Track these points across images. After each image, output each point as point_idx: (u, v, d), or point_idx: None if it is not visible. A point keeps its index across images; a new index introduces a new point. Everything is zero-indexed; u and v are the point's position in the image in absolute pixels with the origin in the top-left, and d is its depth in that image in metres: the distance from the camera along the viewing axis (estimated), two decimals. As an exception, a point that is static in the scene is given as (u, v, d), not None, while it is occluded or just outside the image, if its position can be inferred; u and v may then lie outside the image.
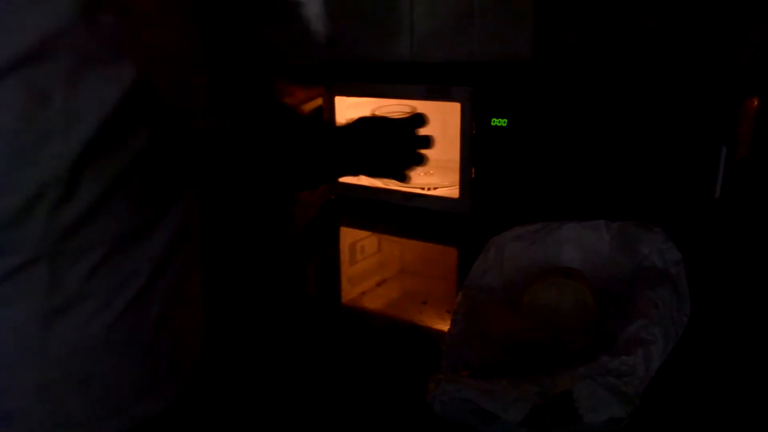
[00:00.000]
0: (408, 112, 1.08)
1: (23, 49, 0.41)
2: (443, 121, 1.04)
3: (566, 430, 0.53)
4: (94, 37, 0.43)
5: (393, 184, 1.12)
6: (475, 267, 0.79)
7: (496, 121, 0.96)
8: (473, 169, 1.00)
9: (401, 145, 0.74)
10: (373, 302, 0.84)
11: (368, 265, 0.97)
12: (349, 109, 1.21)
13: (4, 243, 0.46)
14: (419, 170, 0.85)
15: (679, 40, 0.93)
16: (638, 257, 0.75)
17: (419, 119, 0.75)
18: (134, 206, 0.50)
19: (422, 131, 0.75)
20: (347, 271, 0.96)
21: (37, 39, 0.41)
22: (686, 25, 0.93)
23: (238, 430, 0.63)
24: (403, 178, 0.75)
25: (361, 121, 0.73)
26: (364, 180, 1.14)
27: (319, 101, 1.17)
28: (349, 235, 1.07)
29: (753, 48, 0.87)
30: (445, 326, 0.71)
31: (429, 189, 1.12)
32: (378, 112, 1.14)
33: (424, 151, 0.74)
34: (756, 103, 0.84)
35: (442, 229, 1.03)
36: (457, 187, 1.04)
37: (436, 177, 1.15)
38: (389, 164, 0.75)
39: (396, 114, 1.09)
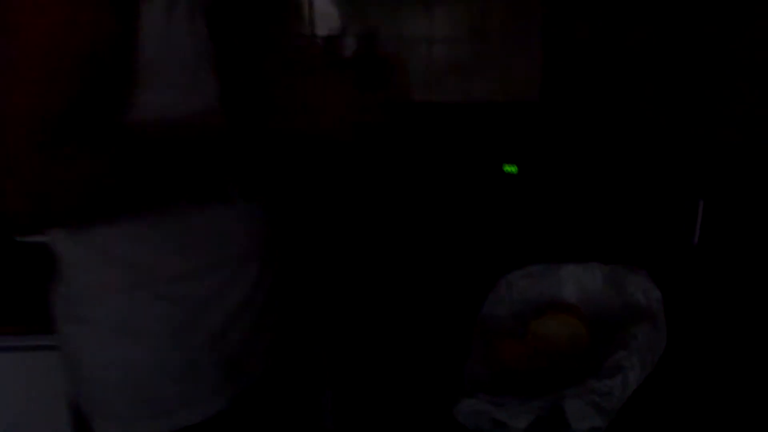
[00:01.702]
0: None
1: None
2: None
3: (559, 436, 0.71)
4: None
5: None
6: (489, 299, 0.97)
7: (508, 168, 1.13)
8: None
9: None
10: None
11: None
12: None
13: None
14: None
15: (671, 112, 1.10)
16: (625, 295, 0.92)
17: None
18: None
19: None
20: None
21: None
22: (678, 101, 1.10)
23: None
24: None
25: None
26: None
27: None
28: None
29: (731, 123, 1.05)
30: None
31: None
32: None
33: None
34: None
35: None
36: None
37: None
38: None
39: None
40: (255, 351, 0.83)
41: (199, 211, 0.76)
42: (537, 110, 1.35)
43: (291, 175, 0.83)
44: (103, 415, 0.79)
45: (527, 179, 1.10)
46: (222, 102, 0.75)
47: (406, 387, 0.85)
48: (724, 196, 1.00)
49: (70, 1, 0.63)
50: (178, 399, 0.78)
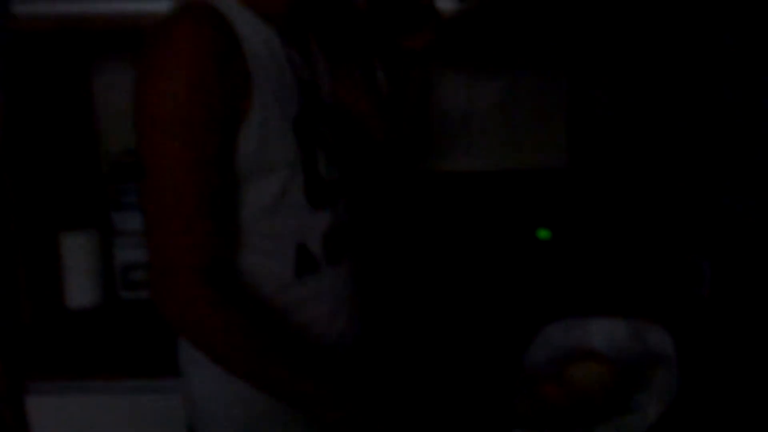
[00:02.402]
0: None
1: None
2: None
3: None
4: None
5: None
6: (531, 348, 1.17)
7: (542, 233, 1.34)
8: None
9: None
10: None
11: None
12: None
13: None
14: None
15: (684, 179, 1.31)
16: (645, 344, 1.12)
17: None
18: None
19: None
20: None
21: None
22: (691, 169, 1.31)
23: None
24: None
25: None
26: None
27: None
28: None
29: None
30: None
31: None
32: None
33: None
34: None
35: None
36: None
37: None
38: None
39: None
40: None
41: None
42: (565, 176, 1.56)
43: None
44: None
45: (559, 243, 1.31)
46: (308, 198, 0.97)
47: (461, 421, 1.05)
48: (730, 256, 1.19)
49: (186, 143, 0.84)
50: None
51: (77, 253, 1.52)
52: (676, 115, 1.33)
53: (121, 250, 1.56)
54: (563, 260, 1.30)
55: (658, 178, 1.40)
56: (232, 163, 0.89)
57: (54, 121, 1.54)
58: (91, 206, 1.66)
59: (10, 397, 1.30)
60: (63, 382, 1.31)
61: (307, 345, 0.99)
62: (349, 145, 1.16)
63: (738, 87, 1.16)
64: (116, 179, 1.57)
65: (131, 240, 1.55)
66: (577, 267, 1.30)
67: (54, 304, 1.51)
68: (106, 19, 1.35)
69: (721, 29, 1.21)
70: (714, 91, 1.22)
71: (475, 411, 1.08)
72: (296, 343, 0.97)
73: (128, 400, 1.32)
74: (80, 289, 1.53)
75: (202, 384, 1.00)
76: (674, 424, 0.99)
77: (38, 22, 1.34)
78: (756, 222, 1.13)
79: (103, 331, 1.44)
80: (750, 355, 1.13)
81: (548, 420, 1.01)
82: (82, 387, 1.32)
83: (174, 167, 0.84)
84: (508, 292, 1.36)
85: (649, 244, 1.31)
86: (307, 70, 1.03)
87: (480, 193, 1.57)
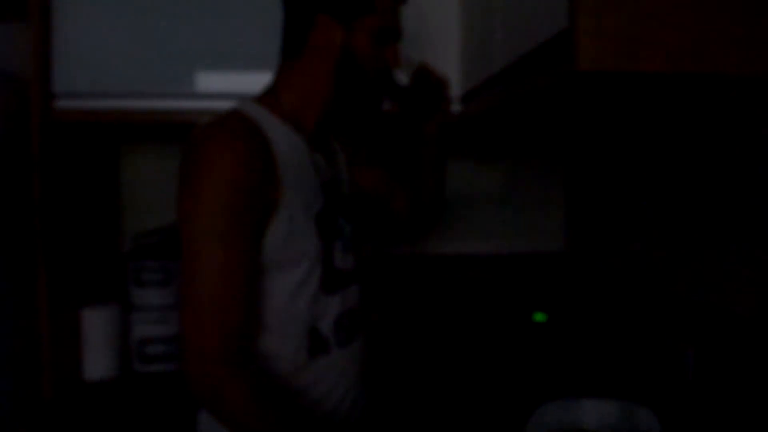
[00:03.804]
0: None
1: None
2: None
3: None
4: None
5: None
6: (528, 426, 1.27)
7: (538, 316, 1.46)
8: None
9: None
10: None
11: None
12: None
13: None
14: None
15: (675, 271, 1.44)
16: (634, 425, 1.22)
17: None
18: None
19: None
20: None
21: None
22: (680, 263, 1.44)
23: None
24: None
25: None
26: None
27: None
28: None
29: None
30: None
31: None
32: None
33: None
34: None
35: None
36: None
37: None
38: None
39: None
40: None
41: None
42: (563, 260, 1.69)
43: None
44: None
45: (555, 326, 1.43)
46: (322, 285, 1.11)
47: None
48: (713, 345, 1.30)
49: (223, 242, 0.98)
50: None
51: (98, 328, 1.64)
52: (669, 205, 1.48)
53: (137, 325, 1.68)
54: (558, 343, 1.41)
55: (649, 268, 1.54)
56: (259, 257, 1.03)
57: (81, 201, 1.70)
58: (110, 282, 1.80)
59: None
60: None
61: (318, 420, 1.10)
62: (368, 228, 1.32)
63: (725, 180, 1.30)
64: (136, 256, 1.71)
65: (148, 315, 1.68)
66: (571, 349, 1.41)
67: (73, 377, 1.63)
68: (139, 114, 1.54)
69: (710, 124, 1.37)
70: (704, 184, 1.36)
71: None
72: (308, 419, 1.09)
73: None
74: (98, 362, 1.64)
75: None
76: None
77: (78, 114, 1.53)
78: (736, 313, 1.25)
79: (119, 404, 1.54)
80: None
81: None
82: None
83: (212, 261, 0.98)
84: (505, 373, 1.47)
85: (639, 330, 1.43)
86: (330, 170, 1.19)
87: (480, 275, 1.70)
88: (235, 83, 1.56)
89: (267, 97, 1.15)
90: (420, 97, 1.30)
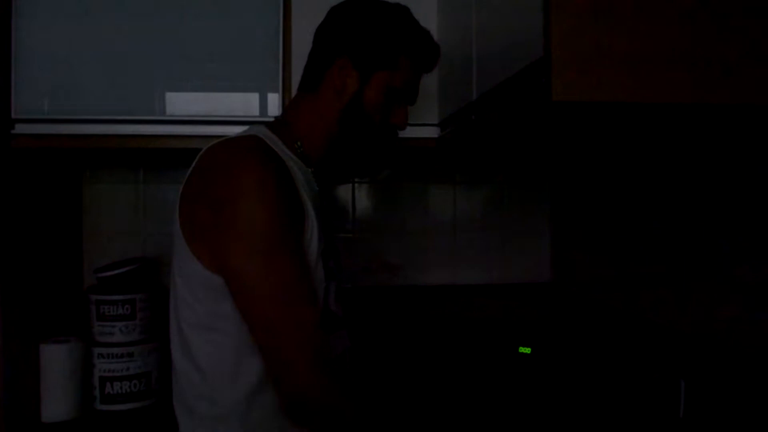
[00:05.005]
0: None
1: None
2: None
3: None
4: None
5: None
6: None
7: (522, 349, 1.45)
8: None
9: None
10: None
11: None
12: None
13: None
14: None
15: (660, 303, 1.44)
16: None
17: None
18: None
19: None
20: None
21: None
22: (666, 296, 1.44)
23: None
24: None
25: None
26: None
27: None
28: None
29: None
30: None
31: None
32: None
33: None
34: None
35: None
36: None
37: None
38: None
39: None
40: None
41: None
42: (549, 290, 1.69)
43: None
44: None
45: (539, 358, 1.42)
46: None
47: None
48: (703, 378, 1.30)
49: (285, 257, 1.00)
50: None
51: (57, 364, 1.59)
52: (658, 235, 1.48)
53: (100, 361, 1.64)
54: (544, 375, 1.40)
55: (638, 299, 1.54)
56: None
57: (40, 230, 1.67)
58: (71, 316, 1.76)
59: None
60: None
61: None
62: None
63: (712, 209, 1.31)
64: (99, 289, 1.68)
65: (111, 350, 1.63)
66: (558, 382, 1.41)
67: (30, 418, 1.58)
68: (102, 138, 1.52)
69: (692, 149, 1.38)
70: (691, 213, 1.37)
71: None
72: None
73: None
74: (58, 401, 1.59)
75: None
76: None
77: (38, 140, 1.50)
78: (728, 345, 1.25)
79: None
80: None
81: None
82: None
83: (285, 277, 1.00)
84: (488, 405, 1.46)
85: (628, 362, 1.42)
86: (326, 207, 1.19)
87: (463, 306, 1.70)
88: (202, 106, 1.55)
89: (278, 126, 1.16)
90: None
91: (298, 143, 1.15)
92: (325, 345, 1.04)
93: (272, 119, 1.21)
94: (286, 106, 1.20)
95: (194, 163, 1.07)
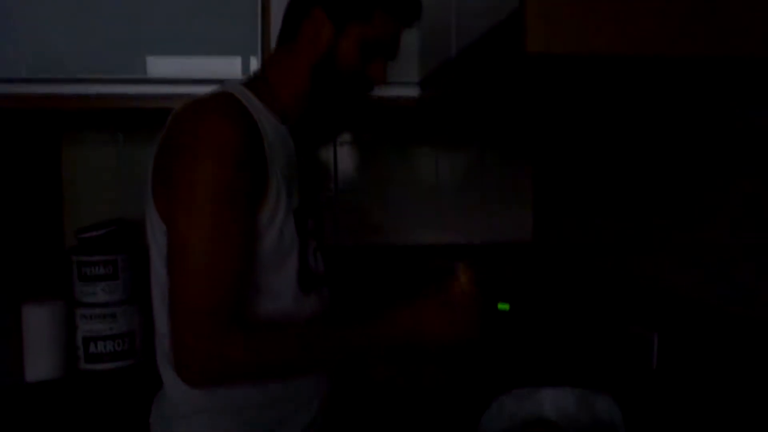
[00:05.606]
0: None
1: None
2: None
3: None
4: None
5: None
6: (483, 418, 1.30)
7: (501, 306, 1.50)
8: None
9: None
10: None
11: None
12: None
13: None
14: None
15: (637, 258, 1.48)
16: (594, 413, 1.26)
17: None
18: None
19: None
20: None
21: None
22: (644, 249, 1.49)
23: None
24: None
25: None
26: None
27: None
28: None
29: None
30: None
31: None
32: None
33: None
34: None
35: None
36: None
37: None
38: None
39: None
40: None
41: None
42: (530, 250, 1.74)
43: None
44: None
45: (518, 315, 1.47)
46: (299, 283, 1.12)
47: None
48: (676, 332, 1.36)
49: (220, 213, 0.98)
50: None
51: (40, 325, 1.62)
52: (636, 193, 1.52)
53: (83, 322, 1.67)
54: (521, 331, 1.45)
55: (615, 256, 1.59)
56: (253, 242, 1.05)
57: (21, 193, 1.69)
58: (54, 277, 1.78)
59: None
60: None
61: None
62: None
63: (691, 168, 1.35)
64: (80, 250, 1.70)
65: (94, 311, 1.67)
66: (535, 338, 1.46)
67: (13, 378, 1.60)
68: (79, 99, 1.53)
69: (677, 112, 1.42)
70: (670, 171, 1.40)
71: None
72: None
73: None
74: (41, 361, 1.62)
75: None
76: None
77: (16, 101, 1.51)
78: (702, 300, 1.30)
79: (63, 406, 1.52)
80: (696, 426, 1.28)
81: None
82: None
83: (207, 227, 0.98)
84: (467, 362, 1.51)
85: (604, 317, 1.47)
86: (305, 166, 1.20)
87: (444, 265, 1.74)
88: (184, 70, 1.56)
89: (255, 82, 1.16)
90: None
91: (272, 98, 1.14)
92: (241, 306, 1.04)
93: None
94: (265, 61, 1.19)
95: (166, 123, 1.08)
